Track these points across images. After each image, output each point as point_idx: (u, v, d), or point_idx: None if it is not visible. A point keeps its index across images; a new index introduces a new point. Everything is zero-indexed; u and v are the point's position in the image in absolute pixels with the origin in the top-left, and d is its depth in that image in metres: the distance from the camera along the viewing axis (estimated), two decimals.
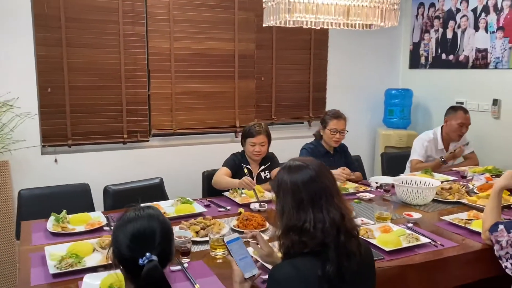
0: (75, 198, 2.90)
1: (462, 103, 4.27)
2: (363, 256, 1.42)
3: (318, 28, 2.66)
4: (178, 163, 4.01)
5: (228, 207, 2.61)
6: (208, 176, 3.34)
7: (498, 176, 3.34)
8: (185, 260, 1.89)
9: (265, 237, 2.08)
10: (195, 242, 2.06)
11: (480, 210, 2.54)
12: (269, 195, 2.78)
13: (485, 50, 4.09)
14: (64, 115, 3.58)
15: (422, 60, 4.76)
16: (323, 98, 4.66)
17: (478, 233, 2.19)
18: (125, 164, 3.83)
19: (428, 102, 4.71)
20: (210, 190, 3.27)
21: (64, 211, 2.31)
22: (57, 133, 3.58)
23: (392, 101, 4.68)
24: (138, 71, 3.79)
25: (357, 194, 2.90)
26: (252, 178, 2.99)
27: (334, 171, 3.09)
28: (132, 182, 3.05)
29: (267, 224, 2.26)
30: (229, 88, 4.17)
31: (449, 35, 4.43)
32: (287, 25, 2.55)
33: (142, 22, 3.74)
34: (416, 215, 2.42)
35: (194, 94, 4.04)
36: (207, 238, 2.06)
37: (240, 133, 4.20)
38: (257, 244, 1.73)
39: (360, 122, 4.87)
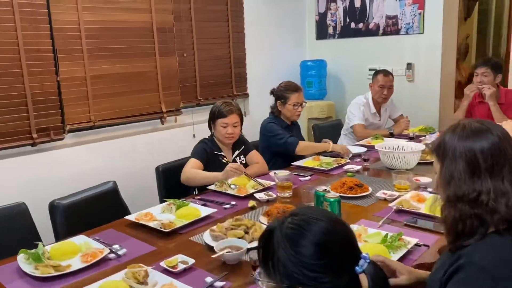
0: (8, 223, 2.13)
1: (375, 70, 4.46)
2: None
3: None
4: (106, 162, 3.33)
5: (233, 202, 2.20)
6: (164, 172, 2.83)
7: (431, 133, 3.58)
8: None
9: None
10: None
11: None
12: (264, 182, 2.45)
13: (395, 16, 4.31)
14: None
15: (330, 30, 4.81)
16: (244, 73, 4.38)
17: None
18: (38, 171, 3.01)
19: (340, 71, 4.81)
20: (168, 188, 2.79)
21: (41, 243, 1.63)
22: None
23: (309, 73, 4.65)
24: (43, 52, 2.96)
25: (343, 168, 2.76)
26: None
27: (339, 146, 2.96)
28: (81, 192, 2.37)
29: None
30: (150, 67, 3.58)
31: (357, 3, 4.55)
32: None
33: None
34: (424, 179, 2.38)
35: (112, 77, 3.36)
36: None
37: (167, 118, 3.74)
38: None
39: None
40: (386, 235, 1.65)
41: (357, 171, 2.69)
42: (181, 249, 1.72)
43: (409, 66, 4.30)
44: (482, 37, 5.94)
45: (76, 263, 1.59)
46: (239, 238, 1.70)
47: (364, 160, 2.86)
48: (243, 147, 2.80)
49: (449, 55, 4.21)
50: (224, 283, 1.44)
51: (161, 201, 2.82)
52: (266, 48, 4.57)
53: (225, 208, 2.14)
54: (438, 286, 1.16)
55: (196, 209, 2.04)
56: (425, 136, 3.53)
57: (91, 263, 1.58)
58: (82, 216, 2.26)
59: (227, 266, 1.56)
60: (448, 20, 4.09)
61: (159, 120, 3.72)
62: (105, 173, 3.26)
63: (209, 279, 1.45)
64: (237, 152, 2.77)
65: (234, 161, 2.73)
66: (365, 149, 3.13)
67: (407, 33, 4.26)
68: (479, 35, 5.85)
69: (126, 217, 2.02)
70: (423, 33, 4.16)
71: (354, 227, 1.78)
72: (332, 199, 1.87)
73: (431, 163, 2.76)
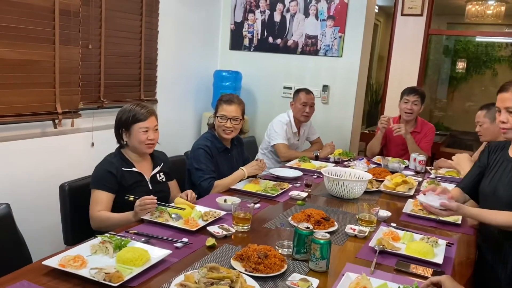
0: None
1: (291, 88, 4.35)
2: None
3: None
4: None
5: (185, 239, 1.74)
6: (72, 191, 2.22)
7: (352, 158, 3.54)
8: None
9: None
10: None
11: (403, 196, 2.60)
12: (216, 210, 2.04)
13: (315, 37, 4.24)
14: None
15: (246, 41, 4.56)
16: (154, 76, 3.86)
17: (446, 222, 2.19)
18: None
19: (253, 86, 4.57)
20: (74, 214, 2.20)
21: None
22: None
23: (223, 84, 4.31)
24: None
25: (289, 194, 2.48)
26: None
27: (251, 167, 2.62)
28: None
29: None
30: (46, 56, 2.87)
31: (277, 18, 4.38)
32: None
33: None
34: (382, 212, 2.22)
35: None
36: None
37: (62, 121, 3.04)
38: None
39: (188, 106, 4.33)
40: None
41: (304, 199, 2.45)
42: None
43: (325, 88, 4.26)
44: None
45: None
46: None
47: (307, 186, 2.63)
48: (162, 163, 2.35)
49: (363, 81, 4.29)
50: None
51: (65, 230, 2.21)
52: (178, 51, 4.11)
53: (178, 248, 1.68)
54: None
55: (144, 250, 1.54)
56: (349, 160, 3.47)
57: None
58: None
59: None
60: (365, 46, 4.16)
61: (51, 122, 3.00)
62: None
63: None
64: (157, 168, 2.31)
65: (154, 178, 2.27)
66: (300, 173, 2.91)
67: (325, 55, 4.23)
68: None
69: (44, 262, 1.43)
70: (341, 56, 4.16)
71: (352, 276, 1.50)
72: (322, 241, 1.56)
73: (374, 192, 2.68)
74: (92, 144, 3.27)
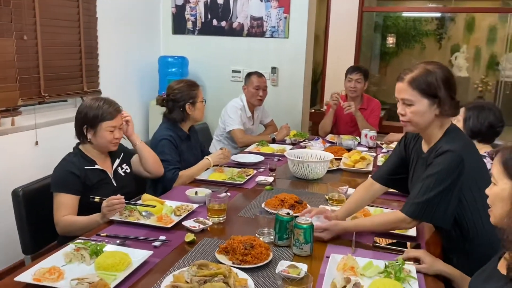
0: None
1: (239, 72, 4.31)
2: None
3: None
4: None
5: (162, 237, 1.68)
6: (26, 196, 2.05)
7: (307, 139, 3.60)
8: None
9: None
10: None
11: (362, 173, 2.69)
12: (186, 205, 1.98)
13: (261, 18, 4.20)
14: None
15: (189, 25, 4.42)
16: (96, 66, 3.64)
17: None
18: None
19: (201, 71, 4.45)
20: (31, 220, 2.05)
21: None
22: None
23: (169, 70, 4.17)
24: None
25: (256, 180, 2.46)
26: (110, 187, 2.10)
27: (217, 156, 2.58)
28: None
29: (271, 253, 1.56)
30: None
31: (220, 0, 4.28)
32: None
33: None
34: (351, 190, 2.27)
35: None
36: None
37: (2, 120, 2.82)
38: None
39: (134, 95, 4.16)
40: (386, 266, 1.44)
41: (271, 183, 2.44)
42: None
43: (273, 70, 4.25)
44: None
45: None
46: None
47: (271, 170, 2.62)
48: (122, 154, 2.24)
49: (309, 61, 4.33)
50: None
51: (22, 239, 2.05)
52: (119, 39, 3.91)
53: (156, 247, 1.61)
54: None
55: (124, 254, 1.47)
56: (305, 141, 3.51)
57: None
58: None
59: None
60: (310, 26, 4.19)
61: None
62: None
63: None
64: (117, 161, 2.20)
65: (116, 172, 2.16)
66: (262, 158, 2.91)
67: (272, 36, 4.20)
68: None
69: (16, 278, 1.31)
70: (288, 37, 4.16)
71: (337, 257, 1.53)
72: (305, 226, 1.57)
73: (335, 170, 2.74)
74: (37, 143, 3.05)
